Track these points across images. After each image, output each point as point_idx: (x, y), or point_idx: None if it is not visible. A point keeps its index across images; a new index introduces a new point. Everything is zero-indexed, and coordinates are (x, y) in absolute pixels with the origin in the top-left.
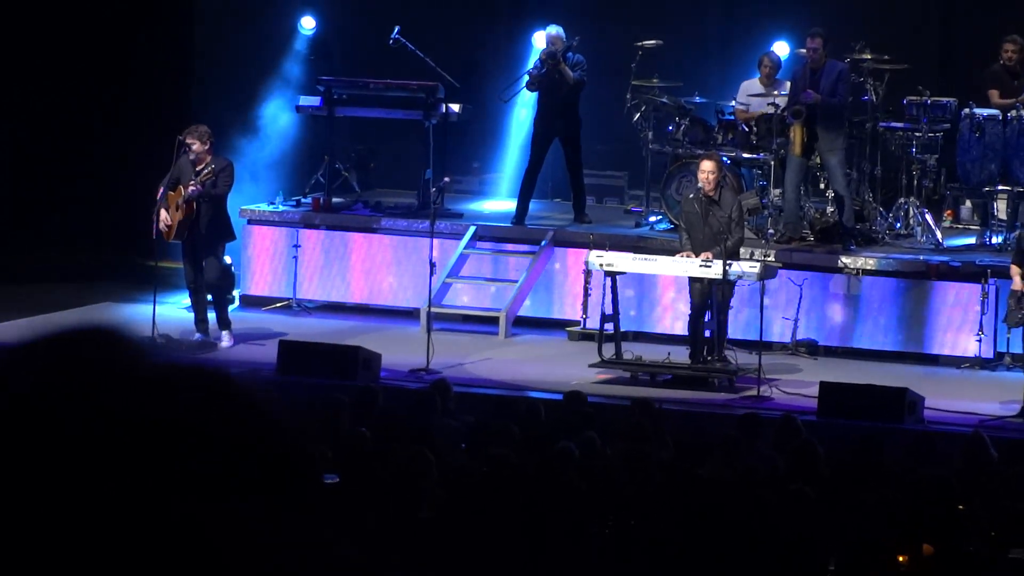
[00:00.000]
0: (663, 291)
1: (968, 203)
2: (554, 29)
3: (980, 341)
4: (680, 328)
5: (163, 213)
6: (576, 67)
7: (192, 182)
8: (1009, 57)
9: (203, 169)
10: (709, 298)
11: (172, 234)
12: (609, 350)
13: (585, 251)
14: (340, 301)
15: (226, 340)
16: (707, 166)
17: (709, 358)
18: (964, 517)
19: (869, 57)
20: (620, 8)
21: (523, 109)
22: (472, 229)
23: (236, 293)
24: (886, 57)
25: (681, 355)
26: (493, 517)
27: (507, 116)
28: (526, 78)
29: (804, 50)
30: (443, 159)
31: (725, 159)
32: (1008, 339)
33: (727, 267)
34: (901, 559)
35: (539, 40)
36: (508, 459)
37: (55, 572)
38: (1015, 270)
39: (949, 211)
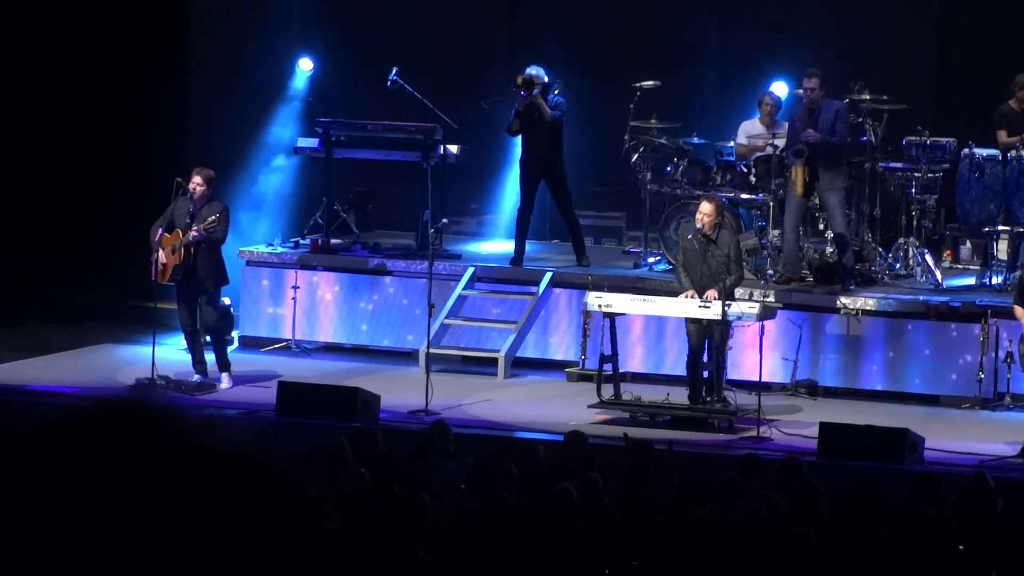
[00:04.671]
0: (659, 332)
1: (968, 243)
2: (533, 69)
3: (980, 381)
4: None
5: (160, 254)
6: (555, 108)
7: (195, 227)
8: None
9: (204, 214)
10: (706, 339)
11: (167, 276)
12: (608, 391)
13: (583, 292)
14: (339, 342)
15: (225, 382)
16: (706, 208)
17: (708, 399)
18: (964, 558)
19: (868, 97)
20: (618, 49)
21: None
22: (471, 270)
23: (235, 334)
24: (884, 97)
25: (680, 396)
26: (492, 558)
27: (505, 157)
28: (516, 106)
29: (801, 90)
30: (441, 200)
31: (724, 200)
32: (1008, 379)
33: (726, 307)
34: None
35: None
36: (508, 500)
37: None
38: (1020, 311)
39: (949, 251)
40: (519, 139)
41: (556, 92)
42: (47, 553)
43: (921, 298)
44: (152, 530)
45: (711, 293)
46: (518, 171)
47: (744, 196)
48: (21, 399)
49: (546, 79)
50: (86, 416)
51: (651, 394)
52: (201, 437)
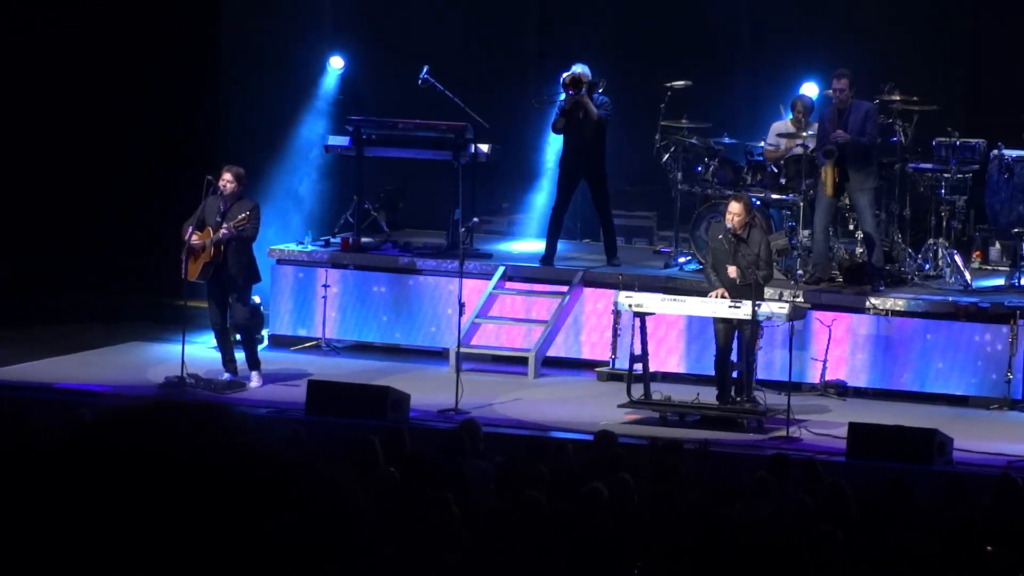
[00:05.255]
0: (689, 332)
1: (997, 244)
2: (579, 67)
3: (1009, 382)
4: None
5: (192, 245)
6: (601, 107)
7: (224, 225)
8: None
9: (234, 212)
10: (735, 338)
11: (196, 274)
12: (638, 391)
13: (614, 292)
14: (369, 341)
15: (255, 380)
16: (735, 207)
17: (738, 399)
18: (993, 558)
19: (898, 98)
20: (649, 49)
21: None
22: (501, 269)
23: (265, 333)
24: (915, 98)
25: (711, 396)
26: (521, 558)
27: (536, 156)
28: (563, 96)
29: (831, 91)
30: (472, 199)
31: (755, 200)
32: None
33: (756, 307)
34: None
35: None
36: (537, 500)
37: None
38: None
39: (978, 252)
40: (558, 138)
41: (600, 91)
42: (107, 546)
43: (950, 299)
44: (213, 527)
45: (732, 270)
46: (556, 169)
47: (774, 196)
48: (49, 397)
49: (591, 77)
50: (143, 416)
51: (681, 394)
52: (260, 438)
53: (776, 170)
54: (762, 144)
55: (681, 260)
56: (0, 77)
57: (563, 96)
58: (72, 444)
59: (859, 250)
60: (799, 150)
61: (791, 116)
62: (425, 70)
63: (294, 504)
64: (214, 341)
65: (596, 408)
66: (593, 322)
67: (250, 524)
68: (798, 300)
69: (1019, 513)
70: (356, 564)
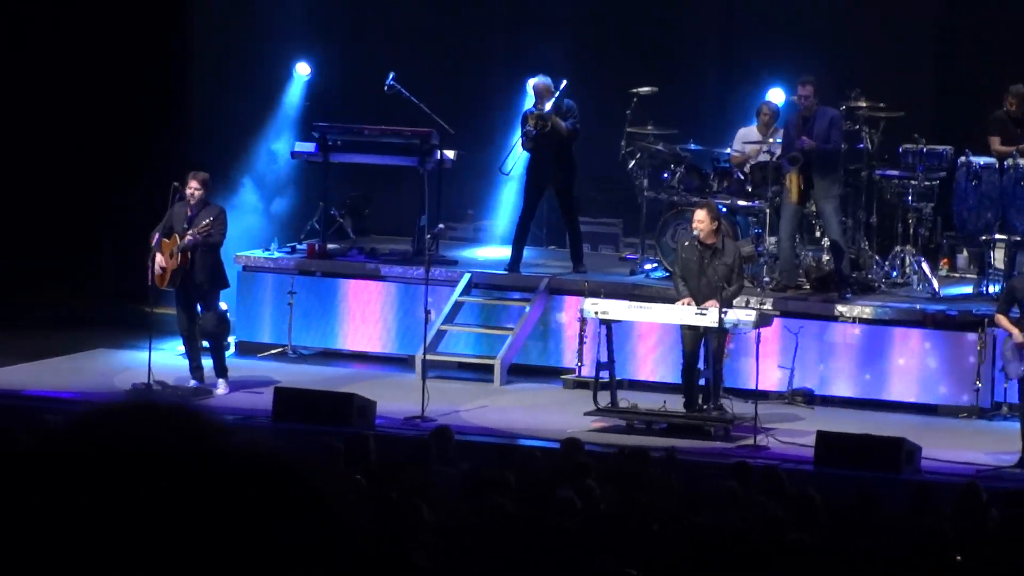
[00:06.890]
0: (656, 339)
1: (965, 252)
2: (540, 80)
3: (977, 391)
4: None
5: (158, 259)
6: (568, 115)
7: (190, 232)
8: (1011, 105)
9: (201, 218)
10: (702, 346)
11: (166, 281)
12: (604, 398)
13: (580, 299)
14: (335, 348)
15: (222, 387)
16: (700, 215)
17: (705, 407)
18: (960, 567)
19: (865, 105)
20: (615, 55)
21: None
22: (467, 276)
23: (232, 340)
24: (882, 105)
25: (678, 404)
26: (488, 566)
27: (502, 163)
28: (519, 141)
29: (796, 97)
30: (438, 206)
31: (721, 207)
32: (1005, 389)
33: (723, 315)
34: None
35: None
36: (503, 507)
37: None
38: (1003, 320)
39: (945, 260)
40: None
41: (562, 89)
42: (89, 554)
43: (918, 307)
44: (193, 532)
45: (712, 304)
46: (523, 176)
47: (741, 203)
48: (15, 404)
49: (554, 89)
50: (121, 419)
51: (648, 402)
52: (236, 441)
53: (742, 177)
54: (728, 151)
55: (647, 267)
56: None
57: (533, 130)
58: (53, 448)
59: (826, 257)
60: (765, 157)
61: (756, 122)
62: (391, 76)
63: (282, 507)
64: (182, 348)
65: (562, 416)
66: (559, 329)
67: (238, 528)
68: (765, 307)
69: (985, 522)
70: (346, 567)
